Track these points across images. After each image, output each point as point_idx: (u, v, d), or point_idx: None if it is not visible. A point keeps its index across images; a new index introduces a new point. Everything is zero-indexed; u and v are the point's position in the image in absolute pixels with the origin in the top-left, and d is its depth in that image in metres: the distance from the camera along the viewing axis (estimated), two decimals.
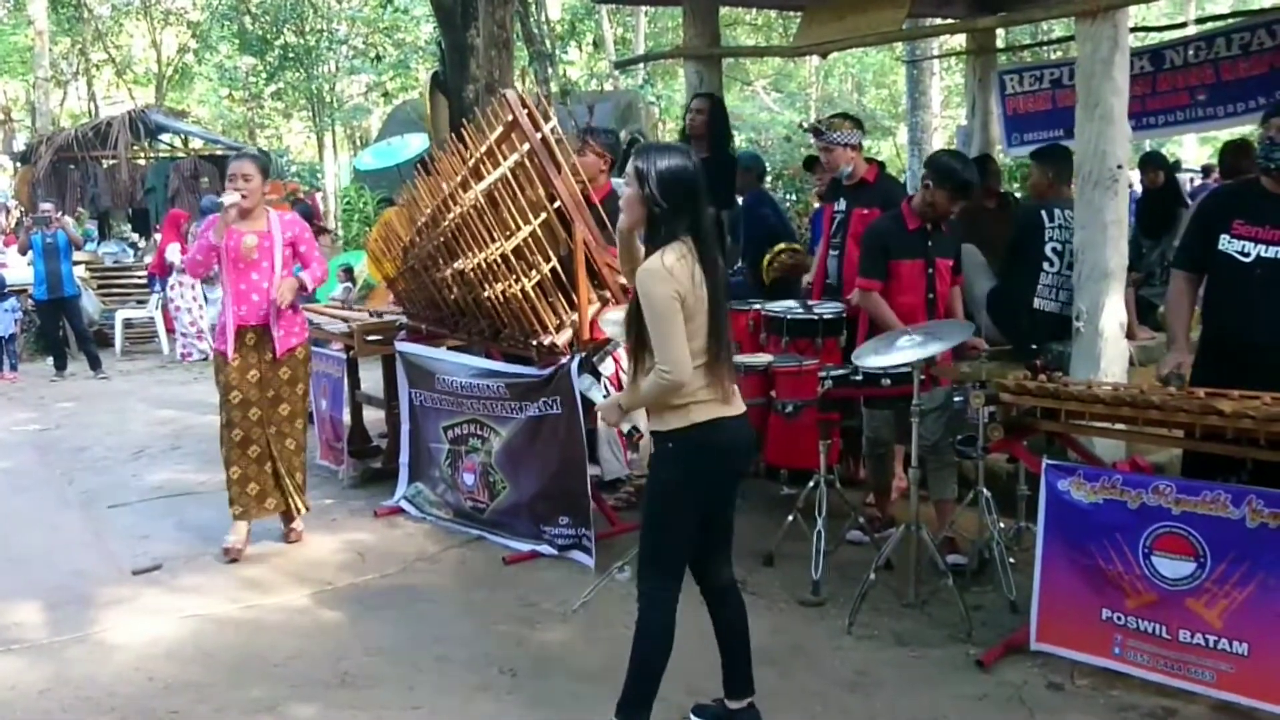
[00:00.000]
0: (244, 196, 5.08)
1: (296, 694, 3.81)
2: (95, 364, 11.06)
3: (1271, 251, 3.73)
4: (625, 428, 3.33)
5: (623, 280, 4.23)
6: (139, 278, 13.80)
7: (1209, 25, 7.72)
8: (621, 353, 4.43)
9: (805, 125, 6.67)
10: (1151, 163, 9.22)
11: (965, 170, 4.76)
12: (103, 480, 6.84)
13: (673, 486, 3.19)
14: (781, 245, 6.59)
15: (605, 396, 3.39)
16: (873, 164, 5.56)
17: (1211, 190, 4.83)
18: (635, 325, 3.12)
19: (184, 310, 11.65)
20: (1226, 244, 3.83)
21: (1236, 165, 7.25)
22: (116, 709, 3.74)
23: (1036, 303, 5.41)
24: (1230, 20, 7.56)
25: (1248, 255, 3.78)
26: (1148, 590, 3.50)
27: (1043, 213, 5.42)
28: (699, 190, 3.10)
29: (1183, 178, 12.85)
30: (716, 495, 3.27)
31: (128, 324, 12.82)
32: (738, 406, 3.22)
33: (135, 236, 16.66)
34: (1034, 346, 5.00)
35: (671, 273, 3.00)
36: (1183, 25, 8.74)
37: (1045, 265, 5.37)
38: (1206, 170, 15.33)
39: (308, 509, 5.49)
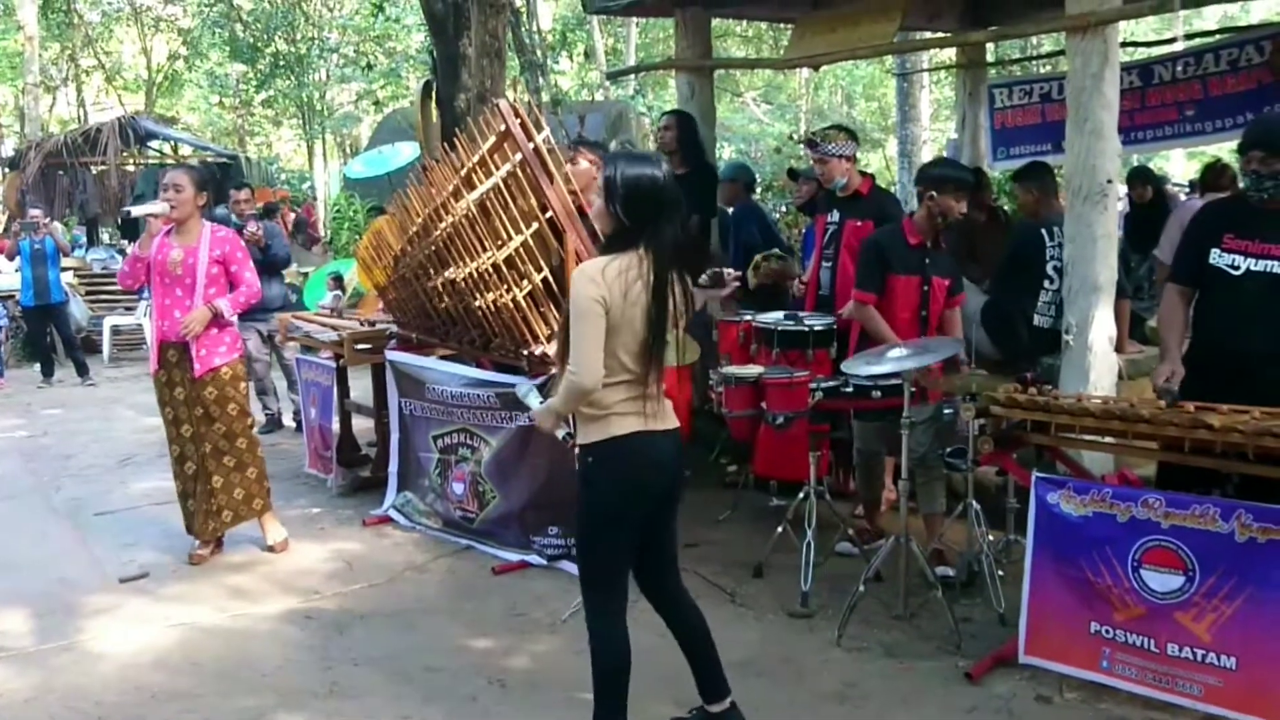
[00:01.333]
0: (173, 208, 5.07)
1: (285, 703, 3.80)
2: (83, 371, 11.01)
3: (1261, 265, 3.76)
4: (560, 434, 3.29)
5: None
6: None
7: (1198, 41, 7.76)
8: None
9: (799, 137, 6.68)
10: (1139, 178, 9.26)
11: (957, 170, 4.86)
12: (89, 488, 6.81)
13: (597, 505, 3.12)
14: (763, 254, 6.57)
15: (541, 403, 3.36)
16: (866, 177, 5.58)
17: (1203, 204, 4.87)
18: (565, 327, 3.07)
19: None
20: (1217, 258, 3.85)
21: (1216, 184, 7.33)
22: (104, 718, 3.72)
23: (1035, 319, 5.40)
24: (1219, 36, 7.59)
25: (1238, 269, 3.82)
26: (1136, 604, 3.51)
27: (1043, 231, 5.40)
28: (664, 202, 3.05)
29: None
30: (644, 513, 3.15)
31: (115, 331, 12.77)
32: (665, 423, 3.14)
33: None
34: (1022, 364, 4.97)
35: (604, 279, 2.97)
36: (1172, 41, 8.78)
37: (1045, 283, 5.36)
38: (1193, 186, 15.43)
39: (259, 513, 5.38)
